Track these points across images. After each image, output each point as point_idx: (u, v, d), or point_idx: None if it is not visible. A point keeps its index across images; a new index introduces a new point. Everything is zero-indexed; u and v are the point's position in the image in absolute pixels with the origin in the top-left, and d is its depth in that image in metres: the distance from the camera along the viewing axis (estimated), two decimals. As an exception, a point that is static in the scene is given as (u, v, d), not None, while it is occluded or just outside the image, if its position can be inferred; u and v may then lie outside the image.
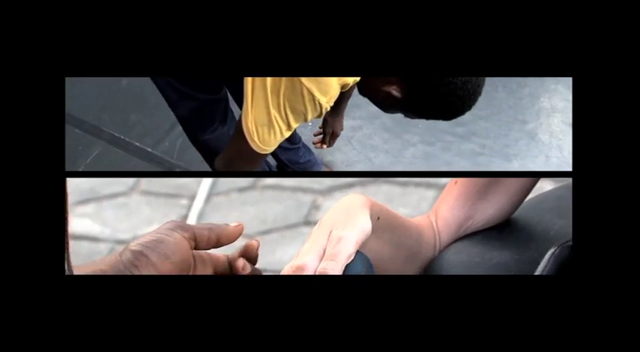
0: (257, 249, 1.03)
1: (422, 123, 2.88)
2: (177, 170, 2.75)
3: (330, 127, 2.38)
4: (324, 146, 2.45)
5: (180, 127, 2.78)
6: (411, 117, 1.59)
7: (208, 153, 2.25)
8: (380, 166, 2.81)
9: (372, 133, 2.92)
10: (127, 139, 2.80)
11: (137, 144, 2.80)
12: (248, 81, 1.44)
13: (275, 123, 1.46)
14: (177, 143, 2.82)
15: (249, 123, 1.46)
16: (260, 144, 1.49)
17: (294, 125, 1.49)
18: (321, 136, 2.43)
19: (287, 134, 1.51)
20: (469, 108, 1.44)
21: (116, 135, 2.82)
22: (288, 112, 1.45)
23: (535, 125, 3.01)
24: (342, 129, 2.44)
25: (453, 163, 2.82)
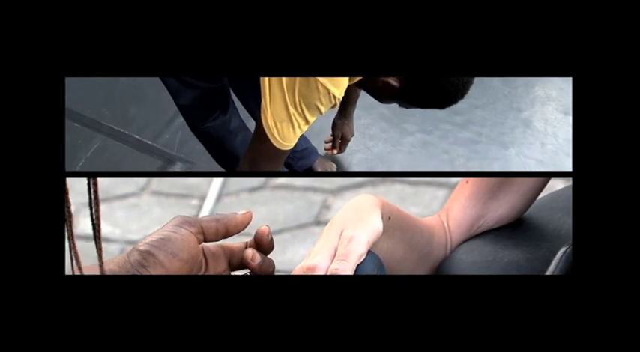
0: (268, 235, 1.00)
1: (419, 112, 2.87)
2: (180, 170, 2.73)
3: (339, 130, 2.38)
4: (335, 151, 2.45)
5: (180, 120, 2.76)
6: (407, 107, 1.60)
7: (210, 142, 2.24)
8: (378, 155, 2.81)
9: (370, 123, 2.91)
10: (126, 132, 2.78)
11: (137, 137, 2.78)
12: (264, 80, 1.46)
13: (293, 118, 1.48)
14: (177, 135, 2.80)
15: (269, 121, 1.49)
16: (280, 141, 1.52)
17: (311, 119, 1.52)
18: (332, 141, 2.44)
19: (305, 128, 1.53)
20: (462, 96, 1.46)
21: (115, 128, 2.80)
22: (304, 108, 1.47)
23: (530, 113, 3.00)
24: (352, 135, 2.44)
25: (451, 151, 2.82)
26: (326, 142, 2.54)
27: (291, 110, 1.46)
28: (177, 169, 2.73)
